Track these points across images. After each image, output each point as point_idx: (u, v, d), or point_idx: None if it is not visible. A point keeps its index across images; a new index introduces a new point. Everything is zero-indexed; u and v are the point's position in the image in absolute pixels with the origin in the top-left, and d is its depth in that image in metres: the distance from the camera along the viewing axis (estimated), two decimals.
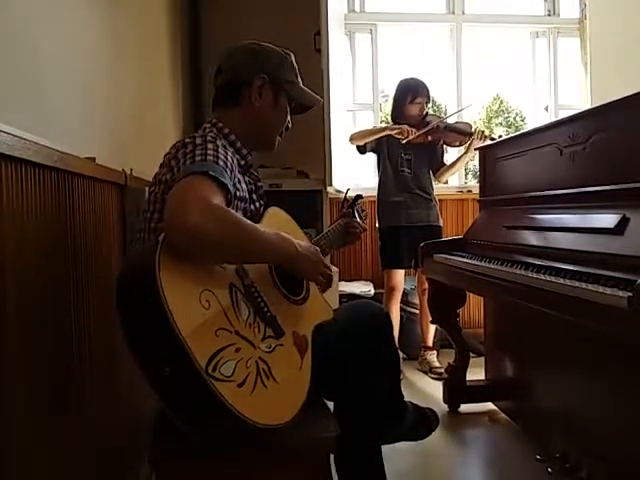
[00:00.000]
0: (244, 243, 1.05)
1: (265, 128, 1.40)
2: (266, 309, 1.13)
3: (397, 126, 2.99)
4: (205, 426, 1.02)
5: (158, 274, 0.93)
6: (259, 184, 1.40)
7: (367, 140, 3.04)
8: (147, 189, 1.33)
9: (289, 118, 1.44)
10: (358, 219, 1.68)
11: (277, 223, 1.33)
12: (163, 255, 0.96)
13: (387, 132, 3.00)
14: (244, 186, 1.30)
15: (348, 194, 1.74)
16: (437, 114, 3.28)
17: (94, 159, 1.33)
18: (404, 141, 2.97)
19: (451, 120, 3.18)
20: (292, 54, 1.44)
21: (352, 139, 3.08)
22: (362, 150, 3.10)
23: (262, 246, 1.09)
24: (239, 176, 1.27)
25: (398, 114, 3.11)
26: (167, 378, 0.95)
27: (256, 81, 1.36)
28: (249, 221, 1.09)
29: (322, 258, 1.26)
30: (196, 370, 0.92)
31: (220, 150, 1.17)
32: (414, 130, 2.96)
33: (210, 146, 1.16)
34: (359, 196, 1.73)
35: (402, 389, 1.56)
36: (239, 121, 1.36)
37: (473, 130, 3.09)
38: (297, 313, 1.25)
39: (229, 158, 1.18)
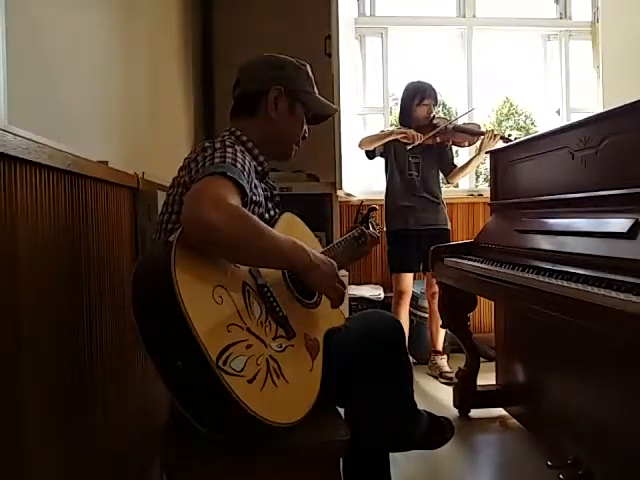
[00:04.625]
0: (259, 245, 1.07)
1: (281, 138, 1.42)
2: (278, 309, 1.14)
3: (403, 130, 2.99)
4: (217, 425, 1.02)
5: (173, 267, 0.95)
6: (275, 192, 1.42)
7: (376, 145, 3.05)
8: (166, 192, 1.34)
9: (305, 128, 1.46)
10: (372, 231, 1.68)
11: (290, 229, 1.33)
12: (179, 251, 0.98)
13: (394, 136, 3.00)
14: (260, 191, 1.32)
15: (362, 206, 1.75)
16: (446, 117, 3.26)
17: (107, 163, 1.34)
18: (410, 147, 2.97)
19: (459, 122, 3.18)
20: (308, 65, 1.46)
21: (361, 144, 3.10)
22: (371, 155, 3.12)
23: (276, 250, 1.10)
24: (256, 181, 1.29)
25: (406, 117, 3.11)
26: (179, 372, 0.96)
27: (272, 92, 1.38)
28: (265, 224, 1.10)
29: (336, 271, 1.23)
30: (207, 362, 0.92)
31: (238, 154, 1.20)
32: (420, 135, 2.96)
33: (229, 150, 1.19)
34: (373, 208, 1.74)
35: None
36: (256, 131, 1.39)
37: (483, 130, 3.09)
38: (309, 316, 1.25)
39: (247, 162, 1.21)
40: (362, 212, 1.72)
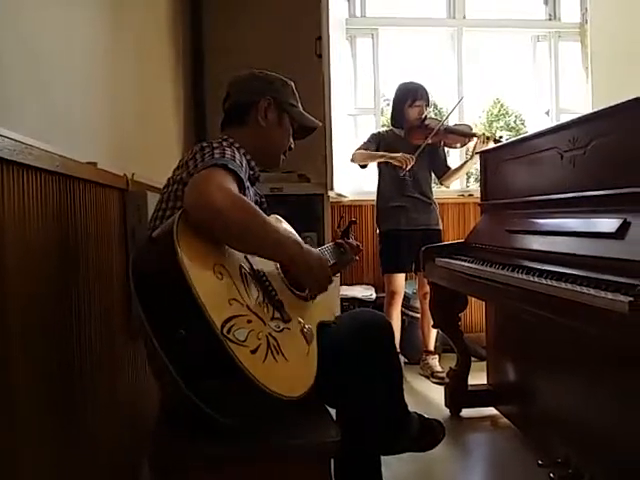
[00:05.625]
0: (256, 231, 1.11)
1: (271, 146, 1.49)
2: (274, 293, 1.18)
3: (395, 155, 2.98)
4: (218, 399, 1.01)
5: (176, 240, 0.98)
6: (262, 199, 1.47)
7: (366, 163, 3.12)
8: (158, 192, 1.36)
9: (291, 139, 1.53)
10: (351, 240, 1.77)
11: None
12: (181, 227, 1.01)
13: (386, 159, 3.02)
14: (252, 195, 1.36)
15: (345, 223, 1.85)
16: (438, 118, 3.27)
17: (95, 164, 1.34)
18: (402, 173, 2.98)
19: (451, 122, 3.19)
20: (292, 81, 1.55)
21: (353, 159, 3.14)
22: (363, 165, 3.16)
23: (272, 239, 1.14)
24: (248, 184, 1.32)
25: (398, 117, 3.12)
26: (182, 342, 0.96)
27: (262, 102, 1.45)
28: (264, 214, 1.14)
29: (328, 268, 1.27)
30: (212, 329, 0.94)
31: (236, 153, 1.26)
32: (412, 157, 2.96)
33: (227, 149, 1.25)
34: (352, 222, 1.84)
35: (404, 396, 1.55)
36: (247, 140, 1.44)
37: (475, 131, 3.10)
38: (302, 307, 1.28)
39: (243, 162, 1.28)
40: (342, 226, 1.82)
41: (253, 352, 0.99)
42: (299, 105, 1.54)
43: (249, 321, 1.03)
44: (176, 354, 0.98)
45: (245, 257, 1.17)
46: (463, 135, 3.09)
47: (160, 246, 1.02)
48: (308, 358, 1.17)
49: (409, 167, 2.95)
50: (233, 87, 1.52)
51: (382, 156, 3.03)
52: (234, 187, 1.11)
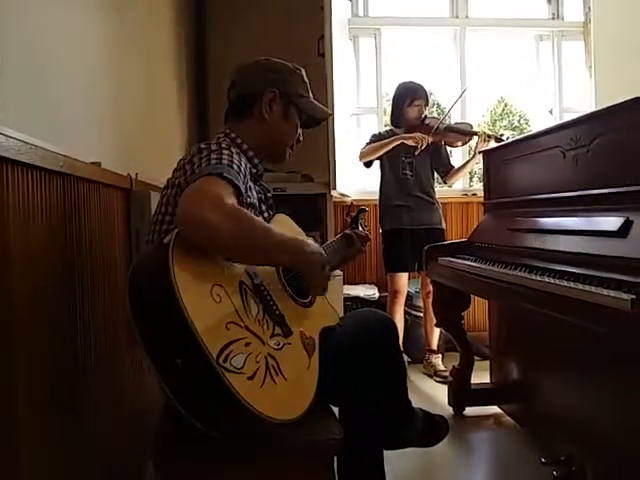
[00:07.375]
0: (255, 241, 1.08)
1: (276, 141, 1.44)
2: (275, 307, 1.15)
3: (411, 135, 2.98)
4: (216, 423, 1.01)
5: (172, 266, 0.95)
6: (268, 194, 1.43)
7: (379, 154, 3.06)
8: (159, 193, 1.35)
9: (300, 131, 1.47)
10: (360, 230, 1.71)
11: (283, 229, 1.34)
12: (176, 250, 0.99)
13: (400, 141, 3.00)
14: (254, 194, 1.33)
15: (354, 210, 1.78)
16: (438, 117, 3.28)
17: (100, 164, 1.34)
18: (418, 152, 2.97)
19: (452, 121, 3.19)
20: (303, 69, 1.48)
21: (362, 156, 3.10)
22: (368, 164, 3.14)
23: (273, 245, 1.11)
24: (250, 183, 1.30)
25: (397, 117, 3.12)
26: (178, 370, 0.96)
27: (267, 95, 1.39)
28: (262, 221, 1.12)
29: (326, 260, 1.25)
30: (207, 360, 0.93)
31: (234, 156, 1.21)
32: (428, 138, 2.96)
33: (225, 152, 1.20)
34: (362, 210, 1.77)
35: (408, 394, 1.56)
36: (251, 133, 1.40)
37: (476, 130, 3.10)
38: (304, 315, 1.26)
39: (242, 164, 1.23)
40: (352, 214, 1.74)
41: (250, 378, 0.98)
42: (309, 94, 1.47)
43: (247, 344, 1.02)
44: (174, 382, 0.98)
45: (246, 271, 1.14)
46: (464, 134, 3.09)
47: (155, 275, 0.98)
48: (308, 372, 1.15)
49: (424, 146, 2.95)
50: (238, 76, 1.45)
51: (396, 139, 3.01)
52: (229, 198, 1.06)
